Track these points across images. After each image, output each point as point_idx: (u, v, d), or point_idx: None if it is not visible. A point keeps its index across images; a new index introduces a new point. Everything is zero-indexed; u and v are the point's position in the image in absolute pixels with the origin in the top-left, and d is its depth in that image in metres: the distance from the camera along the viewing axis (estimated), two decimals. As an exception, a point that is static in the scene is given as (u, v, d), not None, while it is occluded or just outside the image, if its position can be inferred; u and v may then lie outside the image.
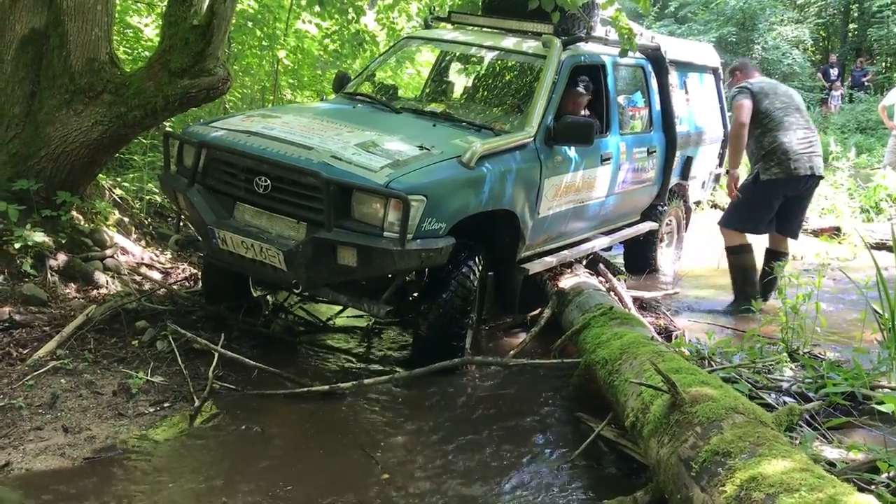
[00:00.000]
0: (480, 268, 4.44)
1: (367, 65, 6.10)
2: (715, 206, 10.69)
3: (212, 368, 4.00)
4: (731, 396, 2.60)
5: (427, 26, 5.95)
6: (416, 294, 4.56)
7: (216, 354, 4.06)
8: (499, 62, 5.56)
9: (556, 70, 5.00)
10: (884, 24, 20.32)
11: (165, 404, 3.77)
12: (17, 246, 4.69)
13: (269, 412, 3.74)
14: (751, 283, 5.96)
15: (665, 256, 7.01)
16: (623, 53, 5.25)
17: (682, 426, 2.50)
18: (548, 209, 4.91)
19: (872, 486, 2.47)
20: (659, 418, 2.63)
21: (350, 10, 7.64)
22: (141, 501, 2.94)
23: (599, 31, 5.65)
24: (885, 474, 2.50)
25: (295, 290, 4.21)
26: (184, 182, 4.42)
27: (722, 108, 7.44)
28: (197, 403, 3.75)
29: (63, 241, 5.04)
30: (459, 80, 5.80)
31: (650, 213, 6.55)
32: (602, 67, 5.54)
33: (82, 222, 5.37)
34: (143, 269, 5.55)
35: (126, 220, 6.04)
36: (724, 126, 7.46)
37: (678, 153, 6.47)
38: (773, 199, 5.79)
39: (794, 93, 6.06)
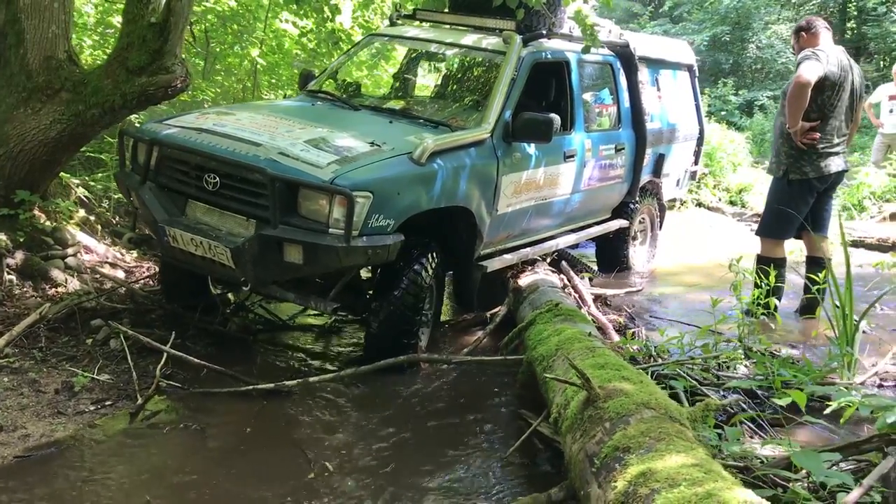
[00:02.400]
0: (434, 265, 4.40)
1: (332, 63, 6.07)
2: (700, 204, 10.66)
3: (159, 367, 3.96)
4: (646, 392, 2.55)
5: (392, 24, 5.92)
6: (371, 292, 4.53)
7: (164, 353, 4.04)
8: (460, 59, 5.53)
9: (515, 66, 4.96)
10: (880, 23, 20.20)
11: (107, 402, 3.74)
12: (-29, 245, 4.68)
13: (212, 410, 3.71)
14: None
15: (639, 254, 6.96)
16: (585, 50, 5.21)
17: (594, 422, 2.46)
18: (507, 206, 4.87)
19: (789, 483, 2.43)
20: (575, 414, 2.59)
21: (325, 8, 7.60)
22: (66, 499, 2.92)
23: (566, 27, 5.61)
24: (803, 471, 2.46)
25: (244, 287, 4.17)
26: (136, 179, 4.40)
27: (697, 106, 7.40)
28: (139, 402, 3.72)
29: (21, 240, 5.02)
30: (422, 78, 5.76)
31: (621, 210, 6.51)
32: (566, 64, 5.50)
33: (44, 221, 5.35)
34: (107, 268, 5.52)
35: (92, 218, 6.02)
36: (700, 123, 7.42)
37: (649, 150, 6.43)
38: (808, 197, 5.40)
39: (857, 73, 5.37)
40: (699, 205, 10.61)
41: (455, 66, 5.52)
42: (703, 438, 2.52)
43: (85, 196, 6.07)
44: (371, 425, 3.66)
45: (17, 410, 3.58)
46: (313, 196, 3.92)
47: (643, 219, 6.94)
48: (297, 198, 3.96)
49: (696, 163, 7.57)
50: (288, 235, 3.86)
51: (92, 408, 3.68)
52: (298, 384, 3.88)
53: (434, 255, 4.40)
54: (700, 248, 7.83)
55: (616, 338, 4.52)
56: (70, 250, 5.36)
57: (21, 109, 4.98)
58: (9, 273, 4.87)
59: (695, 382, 3.58)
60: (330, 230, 3.86)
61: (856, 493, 2.13)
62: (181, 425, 3.55)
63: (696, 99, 7.38)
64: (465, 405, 3.94)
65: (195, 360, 4.00)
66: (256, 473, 3.19)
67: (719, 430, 2.85)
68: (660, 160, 6.67)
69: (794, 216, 5.36)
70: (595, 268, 6.65)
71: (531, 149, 4.98)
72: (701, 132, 7.45)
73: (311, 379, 3.92)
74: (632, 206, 6.55)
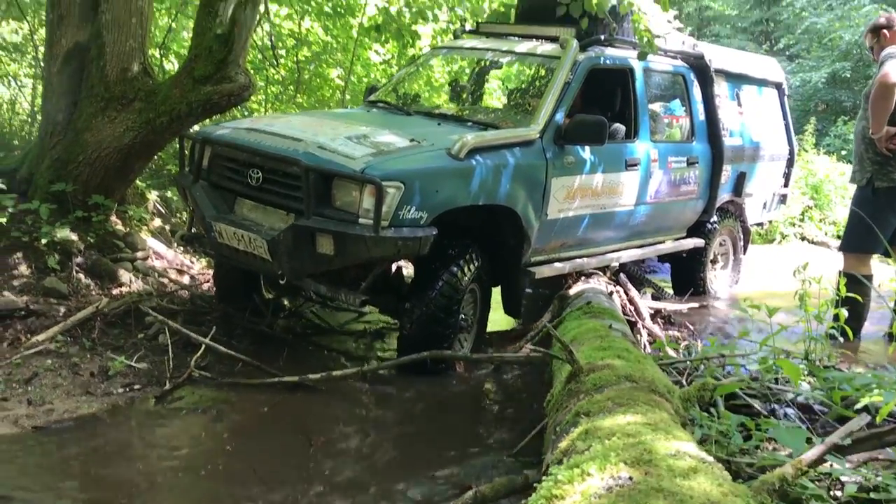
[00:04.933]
0: (474, 267, 4.25)
1: (394, 76, 6.13)
2: (804, 238, 10.00)
3: (194, 358, 4.01)
4: (636, 368, 2.30)
5: (456, 38, 5.93)
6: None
7: (202, 345, 4.09)
8: (517, 66, 5.44)
9: (570, 69, 4.83)
10: None
11: (136, 387, 3.79)
12: (44, 242, 4.94)
13: (234, 400, 3.69)
14: (856, 319, 4.82)
15: (719, 279, 6.54)
16: (641, 56, 4.99)
17: (571, 395, 2.24)
18: (558, 211, 4.69)
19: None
20: (559, 391, 2.38)
21: (405, 33, 7.75)
22: (64, 467, 2.94)
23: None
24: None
25: (281, 281, 4.17)
26: (190, 179, 4.54)
27: (787, 125, 6.96)
28: (167, 387, 3.76)
29: (93, 241, 5.27)
30: (481, 86, 5.71)
31: (697, 229, 6.16)
32: (630, 71, 5.30)
33: (119, 226, 5.60)
34: (173, 273, 5.71)
35: (167, 228, 6.27)
36: (790, 143, 6.98)
37: (728, 167, 6.08)
38: None
39: None
40: (803, 238, 9.96)
41: (513, 73, 5.44)
42: (692, 420, 2.24)
43: (160, 207, 6.34)
44: (388, 420, 3.55)
45: (51, 388, 3.69)
46: (345, 186, 3.90)
47: (724, 241, 6.53)
48: (331, 190, 3.96)
49: (786, 185, 7.09)
50: (319, 225, 3.85)
51: (121, 390, 3.75)
52: (322, 378, 3.81)
53: (474, 256, 4.27)
54: (792, 278, 7.26)
55: (671, 352, 4.20)
56: (140, 254, 5.58)
57: (99, 118, 5.27)
58: (78, 272, 5.10)
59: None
60: (360, 220, 3.81)
61: (815, 451, 1.84)
62: (199, 410, 3.54)
63: (785, 118, 6.95)
64: (490, 405, 3.77)
65: (224, 349, 4.02)
66: (259, 456, 3.13)
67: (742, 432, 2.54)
68: (741, 178, 6.28)
69: (882, 229, 4.87)
70: (670, 291, 6.29)
71: (586, 153, 4.79)
72: (791, 153, 6.99)
73: (335, 373, 3.84)
74: (709, 225, 6.18)
